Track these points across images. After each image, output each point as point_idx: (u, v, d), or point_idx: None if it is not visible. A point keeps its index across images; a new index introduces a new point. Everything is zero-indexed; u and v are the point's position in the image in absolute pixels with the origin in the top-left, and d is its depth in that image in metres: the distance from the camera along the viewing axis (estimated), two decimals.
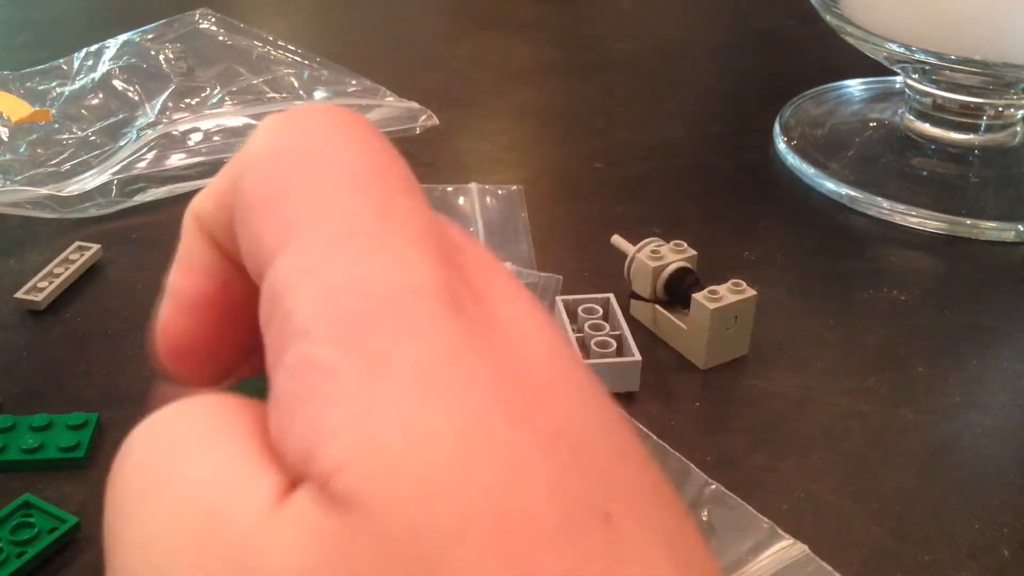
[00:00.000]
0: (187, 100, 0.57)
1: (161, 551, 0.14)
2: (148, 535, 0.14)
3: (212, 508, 0.14)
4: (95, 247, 0.44)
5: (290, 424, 0.14)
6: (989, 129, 0.53)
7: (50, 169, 0.50)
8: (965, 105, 0.52)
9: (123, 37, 0.63)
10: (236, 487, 0.14)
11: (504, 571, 0.12)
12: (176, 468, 0.15)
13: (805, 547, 0.30)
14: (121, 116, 0.55)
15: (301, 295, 0.14)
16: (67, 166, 0.51)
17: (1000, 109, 0.52)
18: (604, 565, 0.13)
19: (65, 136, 0.53)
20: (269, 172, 0.16)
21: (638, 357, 0.37)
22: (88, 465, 0.34)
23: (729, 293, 0.38)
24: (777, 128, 0.56)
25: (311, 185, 0.15)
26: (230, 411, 0.16)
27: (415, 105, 0.57)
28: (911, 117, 0.55)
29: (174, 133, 0.53)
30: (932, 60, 0.49)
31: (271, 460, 0.14)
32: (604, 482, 0.14)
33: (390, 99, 0.57)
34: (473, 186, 0.50)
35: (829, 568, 0.30)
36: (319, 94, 0.58)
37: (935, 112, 0.53)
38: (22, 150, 0.52)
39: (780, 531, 0.31)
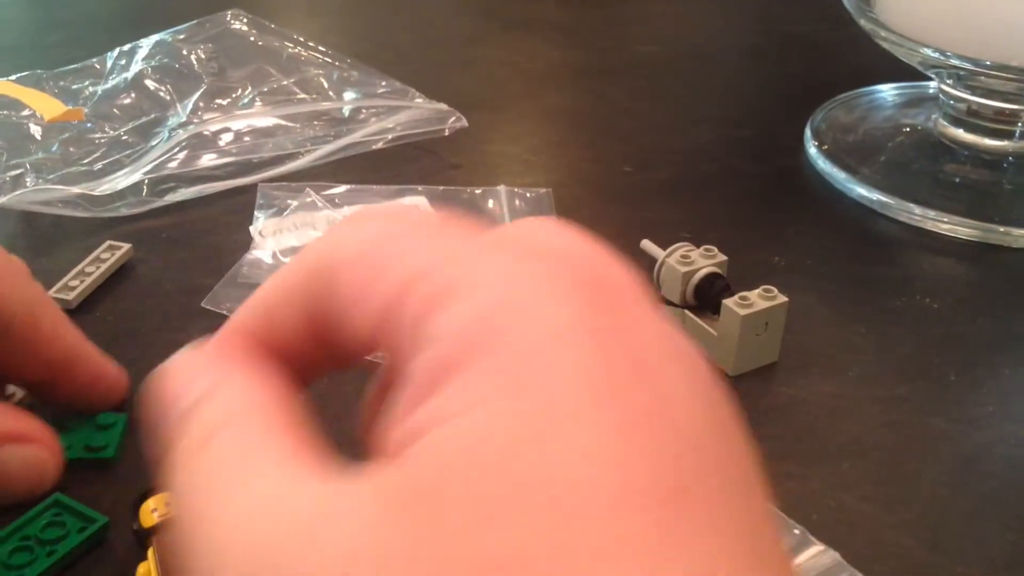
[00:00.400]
0: (218, 100, 0.57)
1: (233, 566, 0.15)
2: (215, 549, 0.16)
3: (269, 514, 0.15)
4: (126, 246, 0.45)
5: (404, 418, 0.15)
6: None
7: (82, 168, 0.51)
8: (1000, 111, 0.52)
9: (155, 37, 0.63)
10: (289, 493, 0.15)
11: (552, 535, 0.13)
12: (236, 486, 0.16)
13: (837, 554, 0.30)
14: (153, 116, 0.56)
15: (429, 313, 0.16)
16: (99, 165, 0.51)
17: None
18: (663, 536, 0.13)
19: (97, 135, 0.54)
20: (370, 259, 0.18)
21: None
22: (118, 463, 0.34)
23: (760, 299, 0.38)
24: (808, 133, 0.56)
25: (403, 254, 0.17)
26: (272, 422, 0.18)
27: (444, 107, 0.57)
28: (944, 123, 0.54)
29: (205, 133, 0.53)
30: (967, 66, 0.49)
31: (320, 468, 0.16)
32: (688, 465, 0.14)
33: (419, 100, 0.57)
34: (502, 188, 0.50)
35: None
36: (349, 95, 0.58)
37: (969, 118, 0.53)
38: (55, 149, 0.52)
39: (812, 537, 0.31)
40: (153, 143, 0.52)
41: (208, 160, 0.52)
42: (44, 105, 0.53)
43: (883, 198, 0.50)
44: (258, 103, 0.57)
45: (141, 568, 0.29)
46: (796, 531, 0.31)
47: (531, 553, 0.13)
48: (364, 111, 0.57)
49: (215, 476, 0.17)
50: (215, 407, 0.18)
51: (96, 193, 0.48)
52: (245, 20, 0.67)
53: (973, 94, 0.52)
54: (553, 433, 0.14)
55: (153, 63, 0.60)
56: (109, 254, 0.44)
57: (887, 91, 0.61)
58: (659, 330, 0.16)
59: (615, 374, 0.15)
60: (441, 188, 0.50)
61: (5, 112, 0.55)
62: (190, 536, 0.16)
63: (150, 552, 0.29)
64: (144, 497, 0.30)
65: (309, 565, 0.14)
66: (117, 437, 0.34)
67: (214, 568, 0.15)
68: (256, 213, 0.48)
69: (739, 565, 0.14)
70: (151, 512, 0.30)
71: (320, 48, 0.64)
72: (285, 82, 0.59)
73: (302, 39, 0.65)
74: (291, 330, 0.20)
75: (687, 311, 0.40)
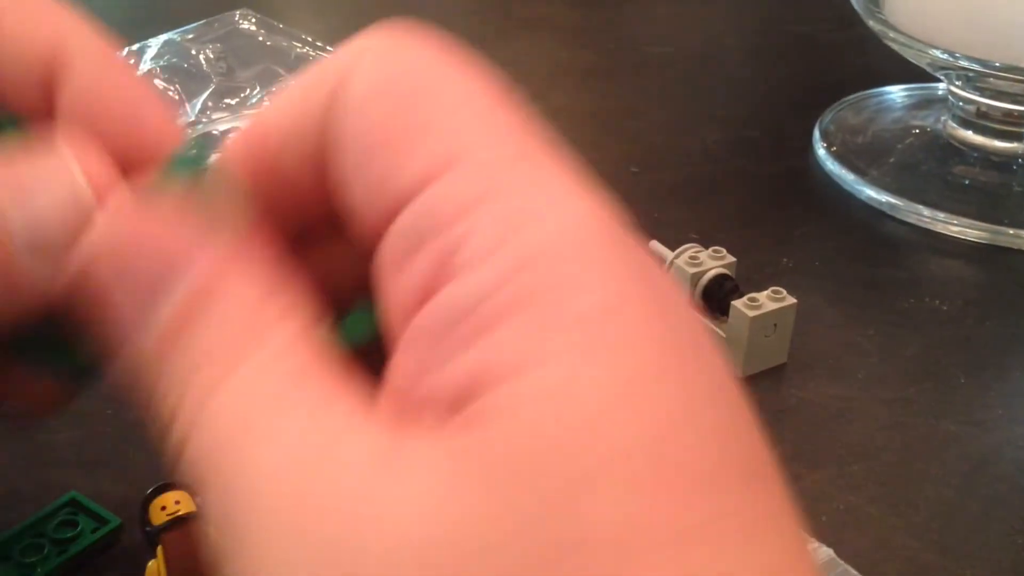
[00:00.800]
0: (227, 100, 0.57)
1: (267, 518, 0.13)
2: (252, 503, 0.13)
3: (319, 462, 0.13)
4: None
5: (443, 363, 0.13)
6: None
7: None
8: (1009, 113, 0.52)
9: (164, 37, 0.63)
10: (341, 439, 0.13)
11: (643, 511, 0.12)
12: (274, 425, 0.14)
13: (831, 551, 0.30)
14: None
15: (472, 226, 0.14)
16: None
17: None
18: (743, 521, 0.13)
19: None
20: (396, 104, 0.15)
21: None
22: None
23: (769, 301, 0.38)
24: (816, 134, 0.56)
25: (453, 112, 0.14)
26: (314, 364, 0.15)
27: None
28: (954, 124, 0.54)
29: (214, 133, 0.53)
30: (976, 67, 0.49)
31: (368, 411, 0.14)
32: (750, 443, 0.14)
33: None
34: None
35: (856, 573, 0.30)
36: None
37: (978, 120, 0.53)
38: None
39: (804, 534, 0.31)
40: None
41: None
42: None
43: (892, 200, 0.50)
44: (266, 103, 0.57)
45: (151, 566, 0.29)
46: None
47: (628, 530, 0.12)
48: None
49: (244, 420, 0.14)
50: (224, 324, 0.15)
51: None
52: (253, 20, 0.67)
53: (982, 96, 0.51)
54: (637, 401, 0.13)
55: (162, 63, 0.60)
56: None
57: (896, 92, 0.61)
58: (695, 315, 0.15)
59: (681, 349, 0.14)
60: None
61: None
62: (217, 496, 0.14)
63: (159, 550, 0.29)
64: (154, 495, 0.31)
65: (374, 552, 0.12)
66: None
67: (252, 539, 0.13)
68: None
69: (804, 549, 0.14)
70: (160, 510, 0.30)
71: (328, 48, 0.64)
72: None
73: (310, 39, 0.65)
74: (298, 169, 0.16)
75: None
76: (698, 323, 0.15)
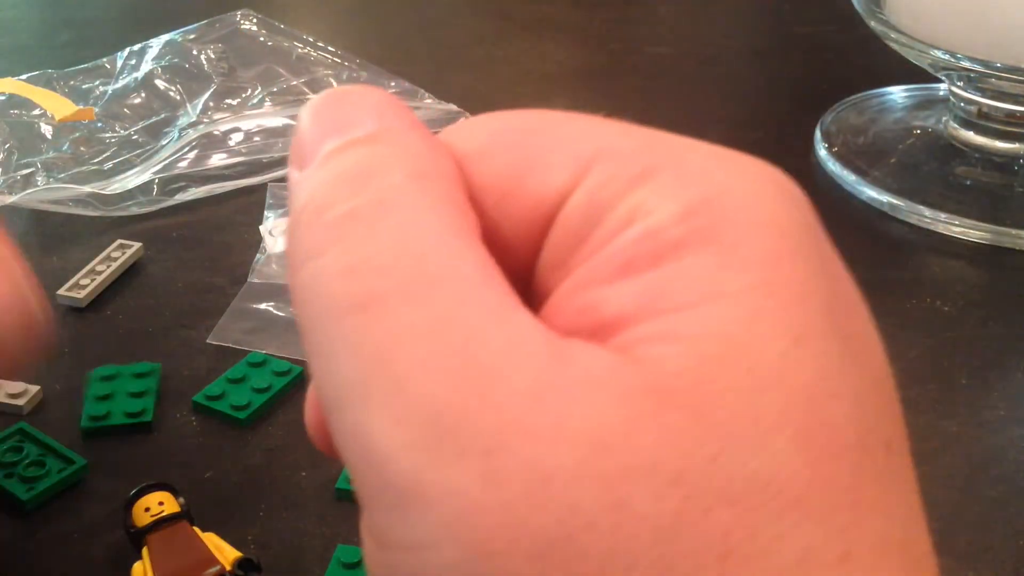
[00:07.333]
0: (228, 100, 0.57)
1: (418, 384, 0.13)
2: (397, 363, 0.13)
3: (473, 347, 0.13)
4: (136, 245, 0.45)
5: (618, 285, 0.14)
6: None
7: (93, 167, 0.51)
8: (1011, 114, 0.51)
9: (165, 37, 0.63)
10: (497, 321, 0.13)
11: (806, 470, 0.13)
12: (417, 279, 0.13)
13: None
14: (163, 115, 0.56)
15: (646, 195, 0.14)
16: (109, 164, 0.51)
17: None
18: (879, 491, 0.13)
19: (108, 135, 0.54)
20: (500, 149, 0.15)
21: None
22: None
23: None
24: (818, 135, 0.56)
25: (572, 129, 0.16)
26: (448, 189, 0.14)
27: (453, 107, 0.57)
28: (955, 125, 0.54)
29: (215, 133, 0.53)
30: (977, 68, 0.49)
31: (508, 289, 0.14)
32: (888, 409, 0.14)
33: (428, 101, 0.57)
34: None
35: None
36: None
37: (980, 120, 0.53)
38: (65, 148, 0.52)
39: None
40: (163, 143, 0.52)
41: (218, 160, 0.52)
42: (55, 104, 0.53)
43: (893, 200, 0.50)
44: (268, 103, 0.57)
45: (136, 568, 0.29)
46: None
47: (800, 487, 0.13)
48: None
49: (399, 257, 0.13)
50: (392, 159, 0.14)
51: (107, 192, 0.48)
52: (255, 20, 0.67)
53: (984, 96, 0.51)
54: (806, 359, 0.13)
55: (163, 63, 0.60)
56: (119, 253, 0.44)
57: (897, 93, 0.61)
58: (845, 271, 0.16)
59: (839, 305, 0.15)
60: None
61: (16, 111, 0.55)
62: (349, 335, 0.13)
63: (145, 551, 0.29)
64: (137, 496, 0.30)
65: (558, 451, 0.12)
66: (152, 398, 0.36)
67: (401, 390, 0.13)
68: (266, 212, 0.48)
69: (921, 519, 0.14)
70: (144, 512, 0.30)
71: (329, 48, 0.64)
72: (295, 82, 0.59)
73: (312, 39, 0.65)
74: None
75: None
76: (850, 280, 0.15)
